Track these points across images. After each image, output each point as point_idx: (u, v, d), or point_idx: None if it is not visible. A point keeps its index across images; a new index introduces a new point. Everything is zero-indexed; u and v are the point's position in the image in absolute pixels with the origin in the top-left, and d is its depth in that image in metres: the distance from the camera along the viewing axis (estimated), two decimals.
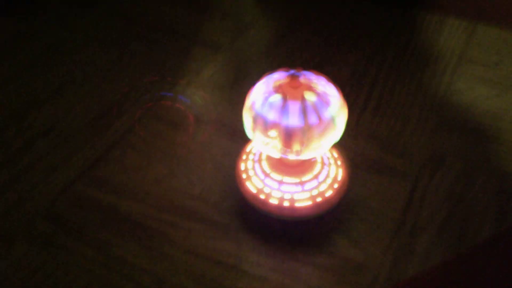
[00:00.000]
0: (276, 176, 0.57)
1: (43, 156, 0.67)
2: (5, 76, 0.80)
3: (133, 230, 0.59)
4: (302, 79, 0.50)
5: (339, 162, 0.59)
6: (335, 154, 0.61)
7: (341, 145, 0.61)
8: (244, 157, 0.59)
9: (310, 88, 0.50)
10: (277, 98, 0.49)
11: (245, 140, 0.60)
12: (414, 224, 0.60)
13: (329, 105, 0.50)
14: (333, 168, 0.58)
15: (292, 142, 0.49)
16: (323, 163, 0.58)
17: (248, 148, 0.60)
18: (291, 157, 0.51)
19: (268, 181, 0.56)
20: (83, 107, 0.74)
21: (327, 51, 0.85)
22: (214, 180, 0.64)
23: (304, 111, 0.48)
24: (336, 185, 0.57)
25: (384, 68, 0.82)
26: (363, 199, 0.62)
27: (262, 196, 0.56)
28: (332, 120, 0.50)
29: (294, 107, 0.48)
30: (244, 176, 0.58)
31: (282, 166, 0.57)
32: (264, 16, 0.94)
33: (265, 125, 0.49)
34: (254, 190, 0.56)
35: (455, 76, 0.79)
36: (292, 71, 0.51)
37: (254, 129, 0.51)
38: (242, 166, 0.59)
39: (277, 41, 0.87)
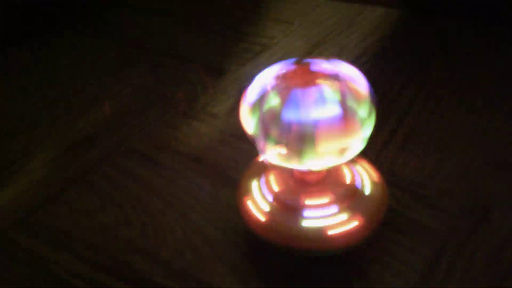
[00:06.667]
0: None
1: None
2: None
3: None
4: (314, 66, 0.39)
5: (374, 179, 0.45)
6: (368, 168, 0.46)
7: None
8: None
9: (324, 75, 0.38)
10: (281, 87, 0.38)
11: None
12: None
13: (353, 93, 0.37)
14: (367, 186, 0.44)
15: (305, 143, 0.37)
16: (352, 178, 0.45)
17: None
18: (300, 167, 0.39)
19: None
20: (55, 140, 0.65)
21: None
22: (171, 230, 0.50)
23: (320, 101, 0.36)
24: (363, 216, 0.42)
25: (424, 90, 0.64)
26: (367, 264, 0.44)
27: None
28: (355, 112, 0.37)
29: (305, 95, 0.37)
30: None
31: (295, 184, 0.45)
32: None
33: (271, 126, 0.37)
34: (262, 218, 0.43)
35: None
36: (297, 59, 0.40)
37: (265, 134, 0.38)
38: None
39: None
